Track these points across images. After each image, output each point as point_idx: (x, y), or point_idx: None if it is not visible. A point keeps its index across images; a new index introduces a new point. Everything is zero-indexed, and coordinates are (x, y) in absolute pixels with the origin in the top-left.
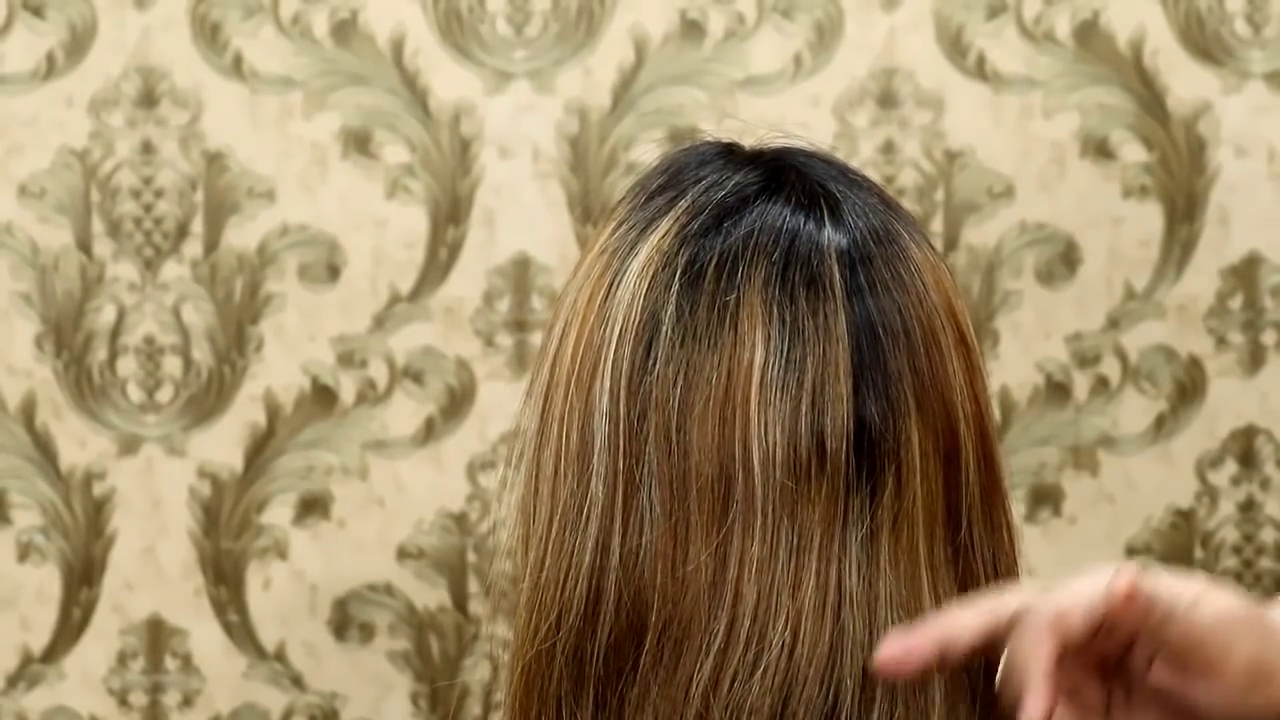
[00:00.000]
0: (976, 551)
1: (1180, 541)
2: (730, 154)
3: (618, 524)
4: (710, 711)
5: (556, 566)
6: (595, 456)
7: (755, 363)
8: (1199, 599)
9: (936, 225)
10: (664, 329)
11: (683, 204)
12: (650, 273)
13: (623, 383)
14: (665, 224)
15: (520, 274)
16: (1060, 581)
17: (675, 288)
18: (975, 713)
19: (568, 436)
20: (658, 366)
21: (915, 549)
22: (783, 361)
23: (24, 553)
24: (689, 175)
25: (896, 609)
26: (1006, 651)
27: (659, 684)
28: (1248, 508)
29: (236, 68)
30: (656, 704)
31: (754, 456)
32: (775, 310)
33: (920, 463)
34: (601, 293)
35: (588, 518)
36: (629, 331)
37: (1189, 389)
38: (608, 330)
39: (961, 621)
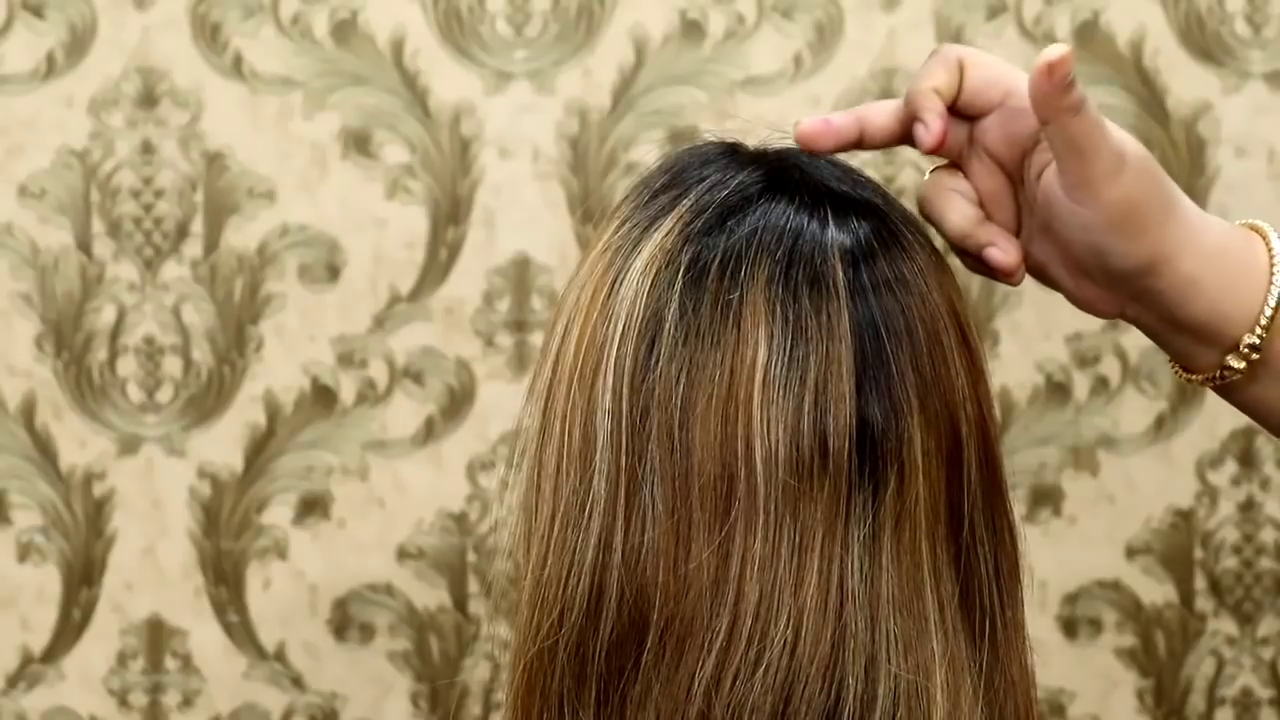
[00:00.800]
0: (978, 551)
1: (1180, 541)
2: (733, 154)
3: (620, 522)
4: (712, 709)
5: (559, 564)
6: (598, 454)
7: (758, 361)
8: (1111, 123)
9: None
10: (667, 327)
11: (686, 203)
12: (653, 271)
13: (625, 380)
14: (668, 222)
15: (520, 274)
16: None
17: (678, 286)
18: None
19: (570, 434)
20: (660, 364)
21: (917, 548)
22: (785, 360)
23: (24, 553)
24: (692, 174)
25: (898, 608)
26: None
27: (661, 682)
28: (1248, 508)
29: (236, 68)
30: (658, 701)
31: (756, 455)
32: (778, 309)
33: (922, 462)
34: (604, 291)
35: (590, 515)
36: (632, 329)
37: (1189, 389)
38: (610, 328)
39: (880, 104)
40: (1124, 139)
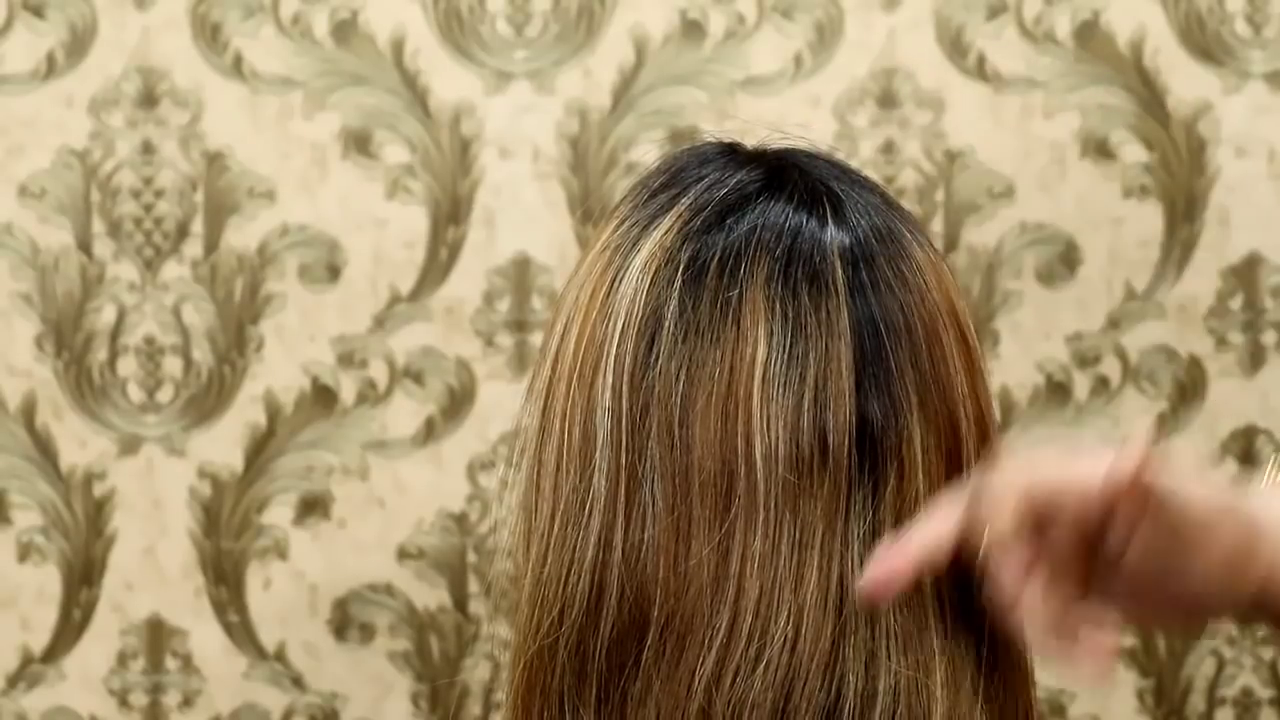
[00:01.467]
0: None
1: None
2: (732, 153)
3: (620, 519)
4: (713, 706)
5: (559, 562)
6: (597, 452)
7: (758, 358)
8: (1188, 486)
9: (937, 225)
10: (666, 325)
11: (685, 201)
12: (653, 269)
13: (625, 378)
14: (668, 221)
15: (520, 274)
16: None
17: (678, 284)
18: (979, 706)
19: (570, 432)
20: (660, 362)
21: None
22: (785, 357)
23: (24, 553)
24: (691, 174)
25: (898, 605)
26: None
27: (661, 679)
28: None
29: (237, 68)
30: (659, 699)
31: (756, 451)
32: (778, 306)
33: (922, 459)
34: (604, 289)
35: (590, 513)
36: (631, 327)
37: (1189, 389)
38: (610, 326)
39: (933, 524)
40: (1203, 490)
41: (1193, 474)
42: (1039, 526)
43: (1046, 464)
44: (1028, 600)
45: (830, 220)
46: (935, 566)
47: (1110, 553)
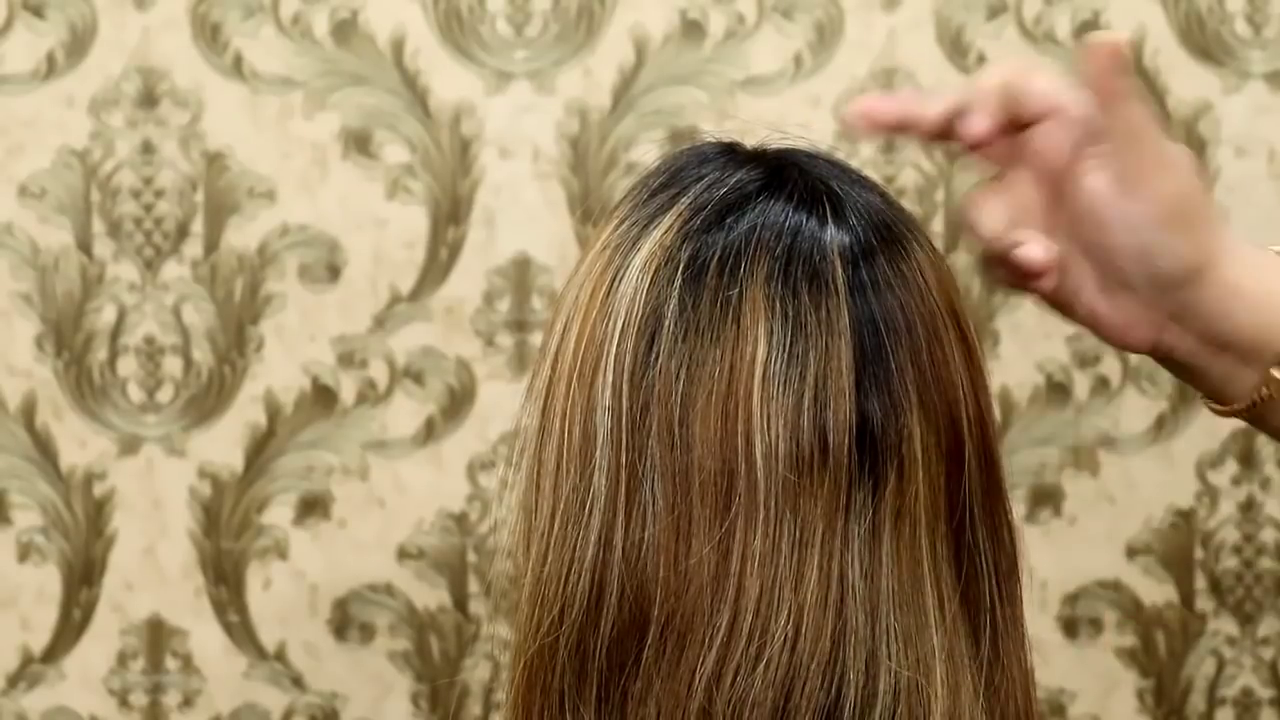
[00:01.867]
0: (977, 548)
1: (1181, 542)
2: (732, 153)
3: (620, 518)
4: (713, 705)
5: (559, 561)
6: (598, 451)
7: (758, 357)
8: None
9: (937, 225)
10: (666, 324)
11: (685, 201)
12: (653, 268)
13: (625, 377)
14: (667, 220)
15: (520, 274)
16: None
17: (678, 283)
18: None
19: (569, 432)
20: (660, 361)
21: (917, 544)
22: (785, 356)
23: (24, 553)
24: (690, 173)
25: (898, 603)
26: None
27: (661, 678)
28: (1248, 508)
29: (237, 68)
30: (659, 698)
31: (756, 450)
32: (778, 305)
33: (922, 458)
34: (604, 289)
35: (590, 512)
36: (631, 326)
37: (1189, 389)
38: (610, 325)
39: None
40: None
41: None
42: (1021, 117)
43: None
44: (986, 194)
45: (830, 219)
46: (915, 127)
47: (1069, 183)
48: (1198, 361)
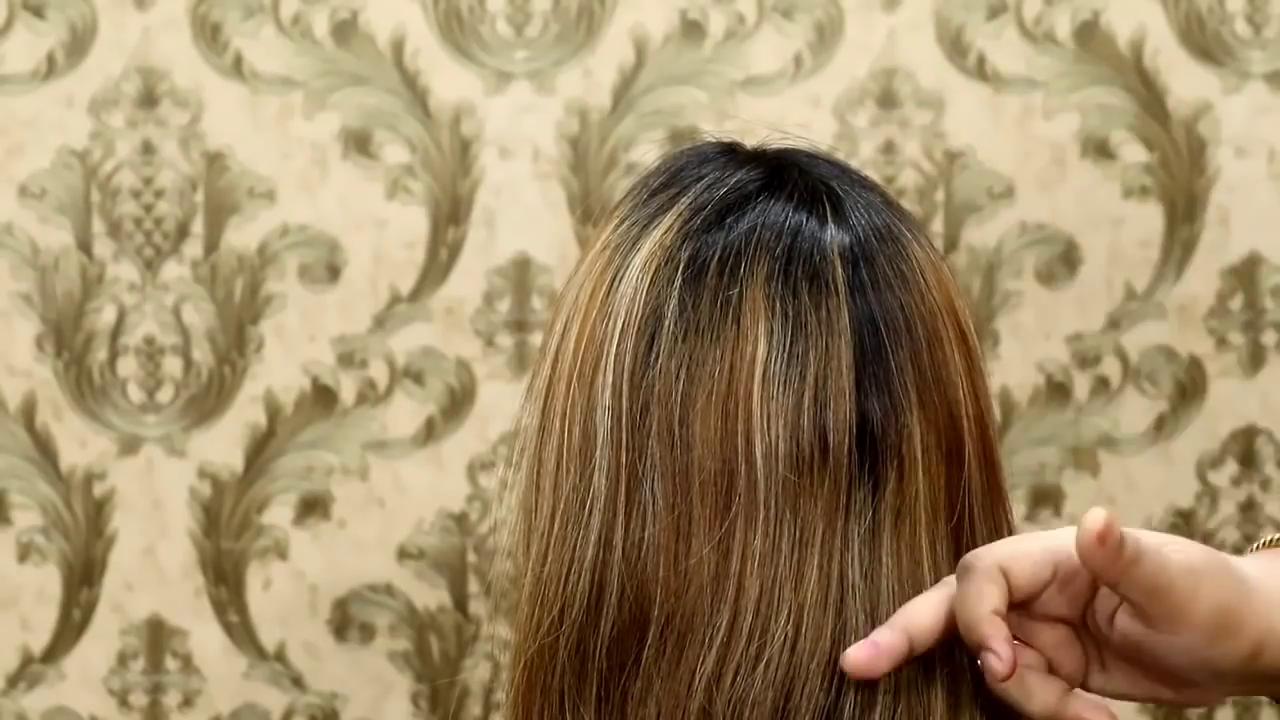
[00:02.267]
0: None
1: None
2: (731, 153)
3: (620, 518)
4: (713, 705)
5: (559, 561)
6: (597, 451)
7: (758, 357)
8: (1165, 544)
9: (937, 226)
10: (666, 323)
11: (685, 200)
12: (652, 268)
13: (625, 377)
14: (667, 220)
15: (520, 274)
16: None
17: (678, 282)
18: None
19: (569, 432)
20: (660, 360)
21: (917, 544)
22: (785, 356)
23: (24, 553)
24: (690, 173)
25: (899, 603)
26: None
27: (661, 677)
28: (1248, 508)
29: (237, 68)
30: (659, 697)
31: (756, 450)
32: (778, 305)
33: (922, 458)
34: (604, 289)
35: (590, 512)
36: (631, 326)
37: (1189, 389)
38: (610, 325)
39: (919, 605)
40: (1180, 547)
41: (1168, 539)
42: (1024, 603)
43: (1022, 542)
44: (1022, 688)
45: (830, 220)
46: (920, 649)
47: (1094, 624)
48: None
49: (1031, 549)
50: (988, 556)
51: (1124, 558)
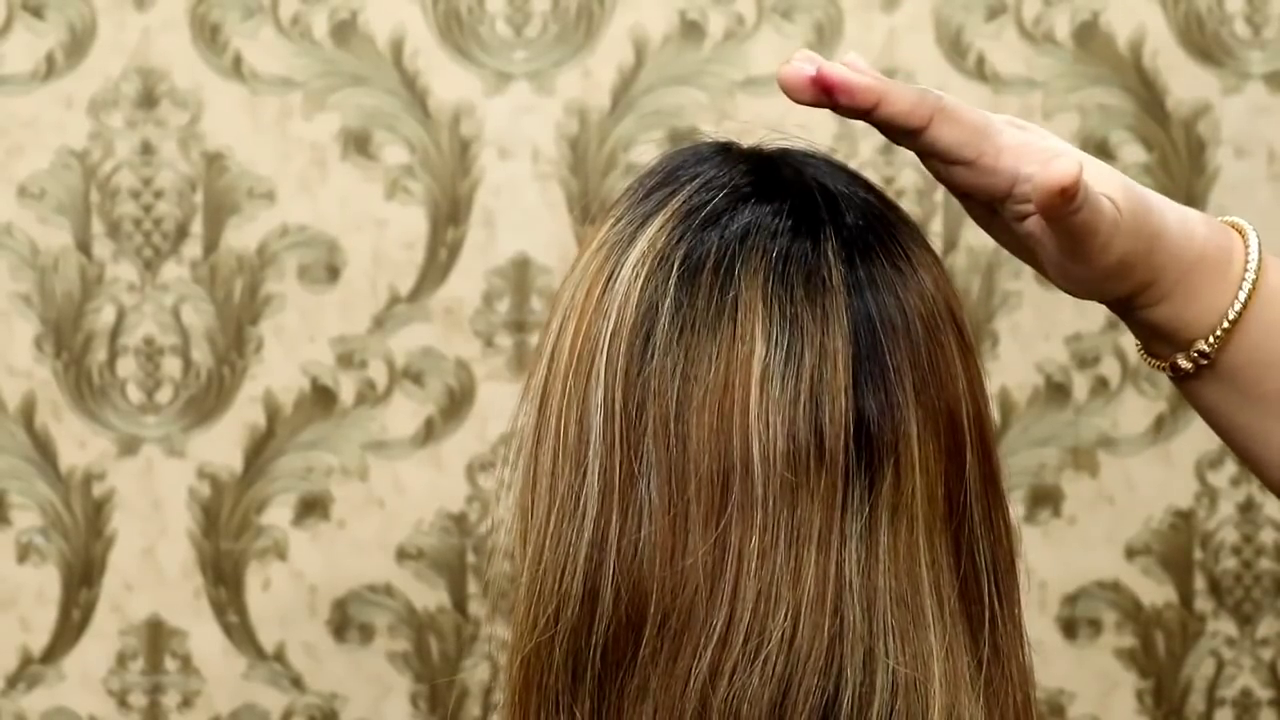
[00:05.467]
0: (976, 547)
1: (1180, 542)
2: (728, 152)
3: (616, 516)
4: (710, 703)
5: (555, 560)
6: (592, 449)
7: (754, 355)
8: (1109, 203)
9: (936, 226)
10: (661, 322)
11: (680, 199)
12: (647, 266)
13: (620, 375)
14: (662, 219)
15: (520, 275)
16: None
17: (673, 281)
18: (978, 704)
19: (565, 430)
20: (656, 359)
21: (914, 541)
22: (782, 354)
23: (23, 553)
24: (686, 172)
25: (896, 600)
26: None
27: (658, 675)
28: (1247, 508)
29: (236, 68)
30: (656, 696)
31: (753, 448)
32: (774, 304)
33: (919, 456)
34: (599, 287)
35: (585, 511)
36: (626, 324)
37: None
38: (605, 323)
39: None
40: (1112, 188)
41: (1117, 187)
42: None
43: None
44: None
45: (828, 219)
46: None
47: (998, 201)
48: (1126, 322)
49: (966, 123)
50: (935, 98)
51: (1071, 207)
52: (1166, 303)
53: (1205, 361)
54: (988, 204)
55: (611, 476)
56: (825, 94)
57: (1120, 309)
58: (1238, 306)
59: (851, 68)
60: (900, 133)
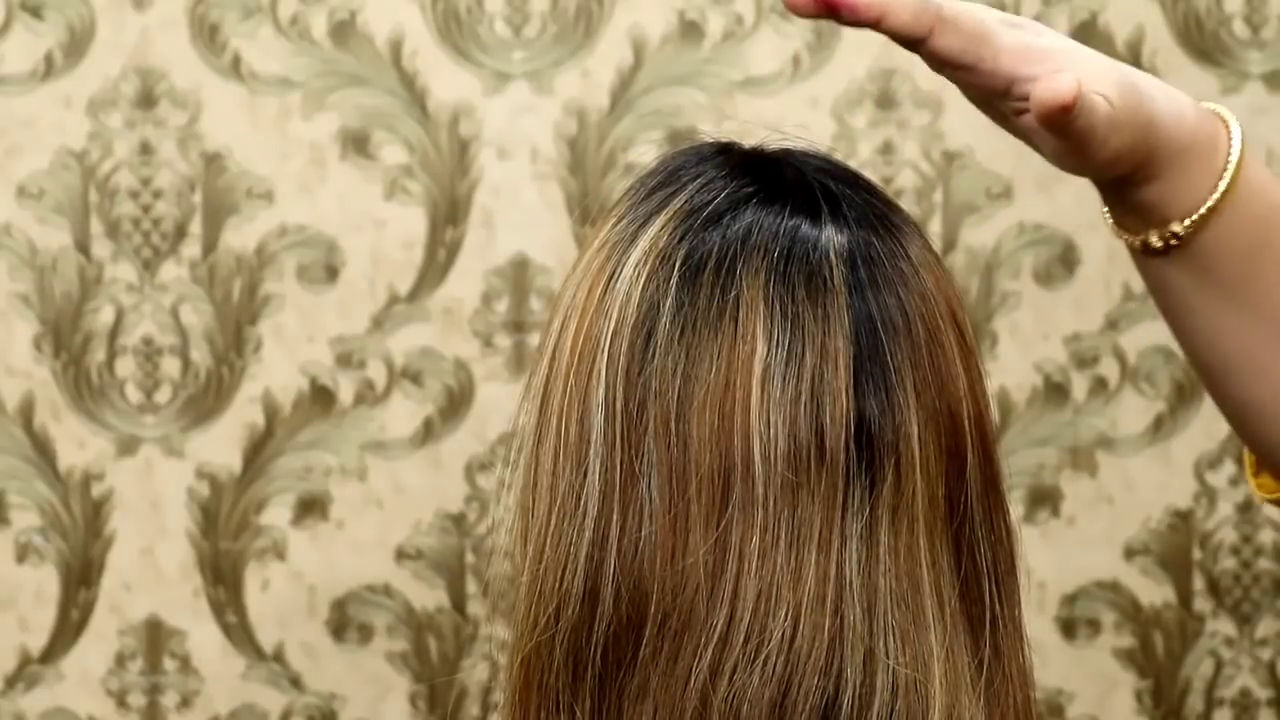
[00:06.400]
0: (976, 547)
1: (1179, 542)
2: (729, 152)
3: (617, 516)
4: (710, 702)
5: (555, 559)
6: (593, 449)
7: (756, 355)
8: (1104, 102)
9: (935, 226)
10: (662, 321)
11: (681, 199)
12: (648, 266)
13: (621, 375)
14: (663, 218)
15: (519, 275)
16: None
17: (674, 281)
18: (978, 705)
19: (566, 430)
20: (656, 359)
21: (915, 542)
22: (783, 354)
23: (22, 553)
24: (688, 172)
25: (896, 600)
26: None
27: (659, 675)
28: (1246, 509)
29: (235, 68)
30: (656, 695)
31: (754, 448)
32: (775, 304)
33: (920, 456)
34: (600, 287)
35: (585, 510)
36: (627, 324)
37: (1187, 390)
38: (606, 323)
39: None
40: (1108, 84)
41: (1104, 74)
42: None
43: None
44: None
45: (827, 220)
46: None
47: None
48: (1101, 192)
49: (965, 30)
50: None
51: (1069, 119)
52: (1155, 183)
53: (1176, 242)
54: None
55: (612, 476)
56: (829, 10)
57: (1107, 185)
58: (1217, 194)
59: None
60: (904, 42)
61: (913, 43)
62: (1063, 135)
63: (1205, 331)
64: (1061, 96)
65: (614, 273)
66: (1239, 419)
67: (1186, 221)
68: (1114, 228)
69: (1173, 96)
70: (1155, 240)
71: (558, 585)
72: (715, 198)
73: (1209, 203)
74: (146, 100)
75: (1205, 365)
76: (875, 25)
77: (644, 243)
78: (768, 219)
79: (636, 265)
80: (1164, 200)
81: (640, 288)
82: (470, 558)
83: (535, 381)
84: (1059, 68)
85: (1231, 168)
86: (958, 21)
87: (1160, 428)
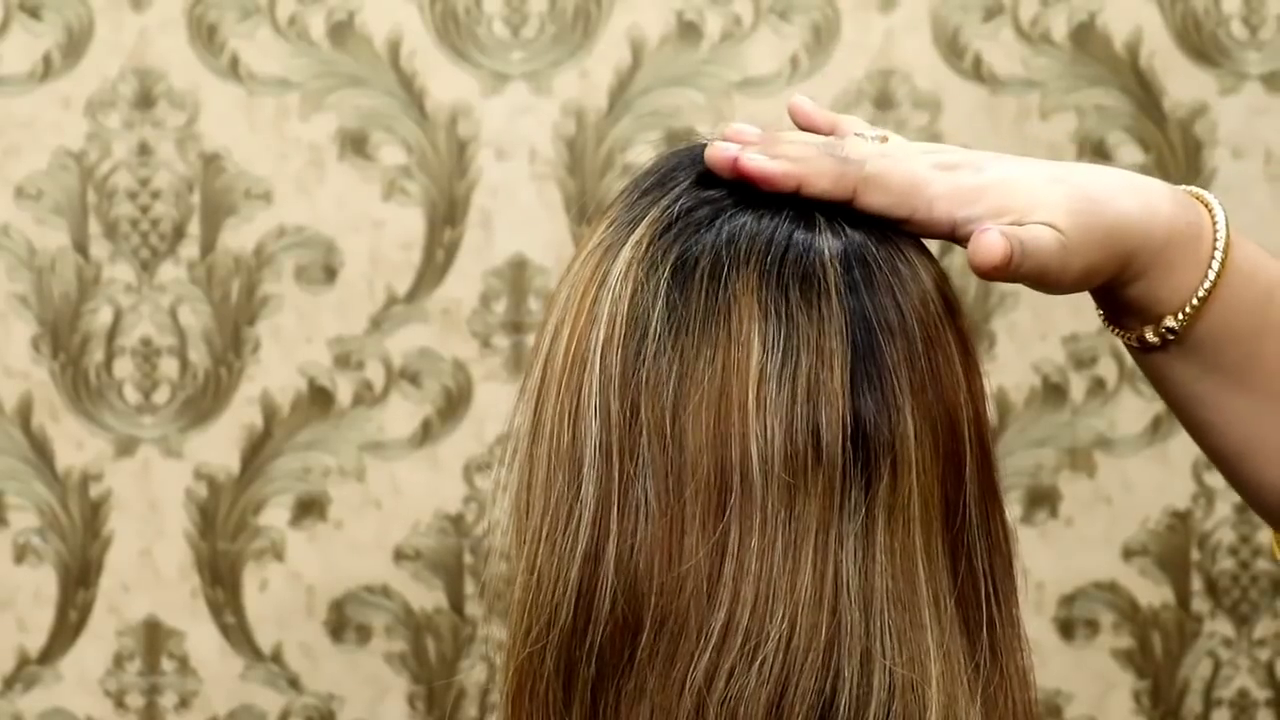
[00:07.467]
0: (973, 547)
1: (1177, 543)
2: None
3: (613, 519)
4: (707, 704)
5: (550, 562)
6: (587, 451)
7: (751, 356)
8: (1051, 234)
9: None
10: (655, 323)
11: (675, 200)
12: (641, 269)
13: (615, 378)
14: (656, 220)
15: (517, 275)
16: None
17: (666, 282)
18: (975, 705)
19: (560, 433)
20: (649, 361)
21: (912, 543)
22: (779, 356)
23: (21, 554)
24: (682, 173)
25: (893, 601)
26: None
27: (655, 677)
28: (1244, 509)
29: (233, 69)
30: (652, 698)
31: (751, 450)
32: (770, 305)
33: (916, 457)
34: (593, 288)
35: (580, 515)
36: (620, 326)
37: None
38: (599, 325)
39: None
40: (1055, 214)
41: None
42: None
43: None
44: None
45: (823, 221)
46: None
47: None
48: (1094, 296)
49: (892, 187)
50: (858, 169)
51: (1009, 272)
52: (1140, 282)
53: (1173, 337)
54: None
55: (607, 478)
56: (745, 179)
57: (1094, 290)
58: (1207, 285)
59: (773, 143)
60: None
61: (841, 204)
62: (1014, 281)
63: (1215, 422)
64: (991, 258)
65: (606, 274)
66: (1256, 501)
67: (1180, 315)
68: (1109, 327)
69: (1140, 188)
70: (1151, 336)
71: (553, 589)
72: (708, 200)
73: (1200, 293)
74: (145, 101)
75: (1218, 452)
76: (795, 193)
77: (636, 245)
78: (761, 220)
79: (628, 267)
80: (1153, 297)
81: (632, 290)
82: (469, 558)
83: (530, 383)
84: (997, 207)
85: (1219, 254)
86: (884, 178)
87: (1158, 428)
